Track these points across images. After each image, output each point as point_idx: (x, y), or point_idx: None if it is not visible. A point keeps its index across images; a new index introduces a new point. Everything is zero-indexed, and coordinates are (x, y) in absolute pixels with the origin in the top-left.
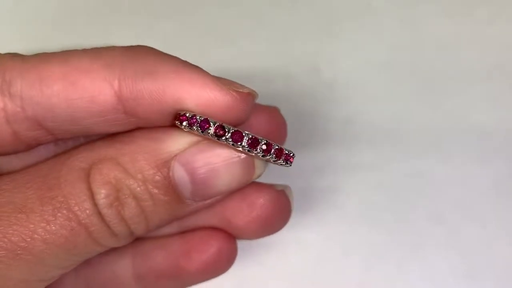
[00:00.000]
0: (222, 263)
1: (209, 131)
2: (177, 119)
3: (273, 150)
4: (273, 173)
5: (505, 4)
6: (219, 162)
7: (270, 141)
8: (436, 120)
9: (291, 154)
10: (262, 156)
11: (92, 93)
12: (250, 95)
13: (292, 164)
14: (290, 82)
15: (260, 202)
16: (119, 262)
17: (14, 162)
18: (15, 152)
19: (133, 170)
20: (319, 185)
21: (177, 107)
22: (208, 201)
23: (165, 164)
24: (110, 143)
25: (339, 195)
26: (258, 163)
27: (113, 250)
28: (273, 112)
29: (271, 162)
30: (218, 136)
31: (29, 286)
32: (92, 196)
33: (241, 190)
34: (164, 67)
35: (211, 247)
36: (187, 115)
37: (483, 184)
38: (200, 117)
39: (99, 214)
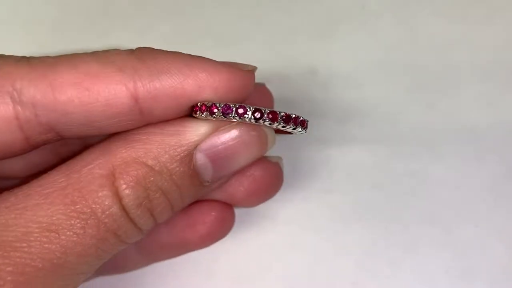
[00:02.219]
0: (222, 230)
1: (231, 115)
2: (197, 111)
3: (292, 119)
4: None
5: (500, 4)
6: (237, 143)
7: (287, 112)
8: (430, 120)
9: (302, 118)
10: (283, 127)
11: (107, 97)
12: (253, 71)
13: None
14: (286, 82)
15: (260, 175)
16: None
17: (14, 161)
18: (22, 153)
19: (158, 166)
20: (314, 185)
21: (197, 99)
22: (225, 179)
23: (188, 155)
24: (127, 143)
25: (334, 194)
26: (270, 137)
27: None
28: (261, 87)
29: (290, 130)
30: (240, 115)
31: None
32: (119, 201)
33: None
34: (175, 63)
35: (213, 217)
36: (207, 104)
37: (477, 183)
38: (220, 104)
39: (127, 216)
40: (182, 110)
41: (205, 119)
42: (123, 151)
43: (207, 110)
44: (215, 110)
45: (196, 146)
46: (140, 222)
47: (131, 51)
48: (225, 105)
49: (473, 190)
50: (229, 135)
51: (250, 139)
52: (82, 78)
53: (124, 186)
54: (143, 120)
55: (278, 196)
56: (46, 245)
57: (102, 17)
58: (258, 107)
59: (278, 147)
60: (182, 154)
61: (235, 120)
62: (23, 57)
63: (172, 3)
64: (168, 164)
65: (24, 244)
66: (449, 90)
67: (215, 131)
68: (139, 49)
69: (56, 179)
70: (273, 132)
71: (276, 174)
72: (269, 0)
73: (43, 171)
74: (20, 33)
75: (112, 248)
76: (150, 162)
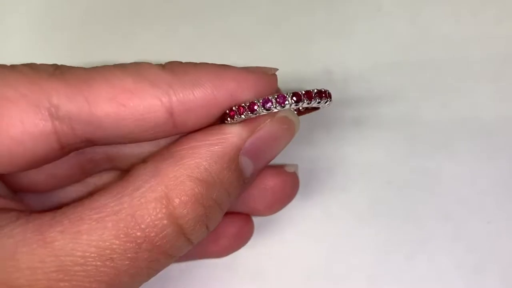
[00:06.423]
0: (243, 240)
1: (273, 105)
2: (234, 115)
3: (323, 93)
4: None
5: (511, 4)
6: (273, 138)
7: (303, 91)
8: (444, 119)
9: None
10: (318, 103)
11: (143, 111)
12: (276, 73)
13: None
14: (302, 83)
15: (280, 188)
16: None
17: (38, 175)
18: (55, 160)
19: (211, 178)
20: (331, 183)
21: (232, 104)
22: (260, 171)
23: (234, 160)
24: (175, 161)
25: (350, 192)
26: (297, 125)
27: None
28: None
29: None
30: (266, 107)
31: None
32: (175, 221)
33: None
34: (206, 75)
35: (235, 230)
36: (244, 105)
37: (489, 181)
38: (258, 100)
39: (183, 235)
40: (212, 118)
41: (239, 121)
42: (174, 169)
43: (246, 110)
44: (256, 107)
45: (239, 150)
46: (194, 238)
47: (162, 66)
48: (265, 99)
49: (485, 187)
50: (267, 133)
51: (283, 131)
52: (117, 94)
53: (180, 207)
54: (176, 131)
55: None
56: (102, 269)
57: (126, 20)
58: (294, 92)
59: (296, 146)
60: (229, 161)
61: (276, 110)
62: (56, 68)
63: (193, 6)
64: (220, 174)
65: (81, 268)
66: (463, 89)
67: (253, 131)
68: (169, 63)
69: (107, 203)
70: (299, 119)
71: (294, 184)
72: (285, 2)
73: (67, 185)
74: (48, 35)
75: (163, 266)
76: (203, 177)
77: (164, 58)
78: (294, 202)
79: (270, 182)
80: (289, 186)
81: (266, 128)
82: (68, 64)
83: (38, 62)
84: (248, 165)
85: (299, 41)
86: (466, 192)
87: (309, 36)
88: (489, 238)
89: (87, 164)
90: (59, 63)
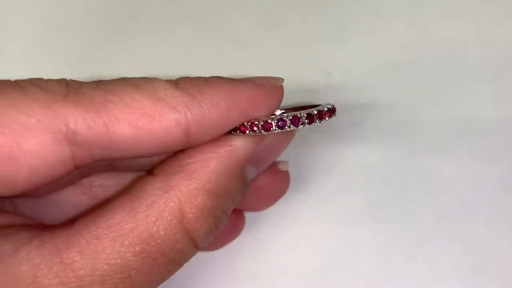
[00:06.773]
0: (234, 234)
1: (287, 126)
2: (245, 130)
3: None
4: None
5: (510, 5)
6: (276, 146)
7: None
8: (444, 120)
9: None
10: (318, 121)
11: (161, 134)
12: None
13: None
14: (300, 84)
15: (273, 186)
16: None
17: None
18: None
19: (220, 190)
20: (329, 185)
21: (244, 120)
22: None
23: (241, 170)
24: (187, 174)
25: (349, 193)
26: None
27: None
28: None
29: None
30: (280, 127)
31: None
32: (187, 235)
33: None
34: (220, 94)
35: (227, 225)
36: (258, 123)
37: (488, 182)
38: (273, 119)
39: (194, 246)
40: (223, 133)
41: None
42: (186, 184)
43: (260, 128)
44: (271, 127)
45: (247, 160)
46: (203, 245)
47: (175, 84)
48: (279, 119)
49: (484, 188)
50: (272, 142)
51: (285, 140)
52: (135, 118)
53: (193, 221)
54: (188, 146)
55: (295, 195)
56: (120, 286)
57: (126, 21)
58: (308, 113)
59: (296, 150)
60: (237, 172)
61: (288, 130)
62: (67, 87)
63: (192, 8)
64: (228, 185)
65: (100, 287)
66: (463, 89)
67: (259, 142)
68: (182, 81)
69: (123, 221)
70: None
71: (286, 181)
72: (284, 4)
73: (63, 188)
74: (48, 36)
75: (172, 273)
76: (214, 189)
77: (164, 59)
78: (292, 204)
79: (263, 181)
80: (282, 183)
81: (272, 138)
82: (68, 65)
83: (38, 62)
84: (251, 172)
85: (298, 43)
86: (465, 193)
87: (308, 37)
88: (488, 239)
89: (86, 168)
90: (58, 64)
